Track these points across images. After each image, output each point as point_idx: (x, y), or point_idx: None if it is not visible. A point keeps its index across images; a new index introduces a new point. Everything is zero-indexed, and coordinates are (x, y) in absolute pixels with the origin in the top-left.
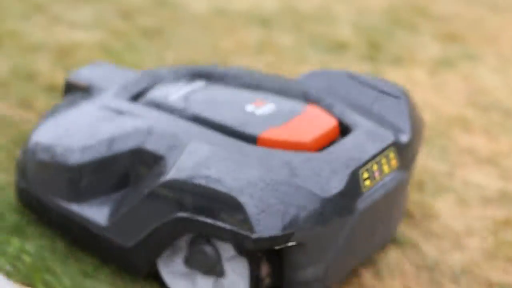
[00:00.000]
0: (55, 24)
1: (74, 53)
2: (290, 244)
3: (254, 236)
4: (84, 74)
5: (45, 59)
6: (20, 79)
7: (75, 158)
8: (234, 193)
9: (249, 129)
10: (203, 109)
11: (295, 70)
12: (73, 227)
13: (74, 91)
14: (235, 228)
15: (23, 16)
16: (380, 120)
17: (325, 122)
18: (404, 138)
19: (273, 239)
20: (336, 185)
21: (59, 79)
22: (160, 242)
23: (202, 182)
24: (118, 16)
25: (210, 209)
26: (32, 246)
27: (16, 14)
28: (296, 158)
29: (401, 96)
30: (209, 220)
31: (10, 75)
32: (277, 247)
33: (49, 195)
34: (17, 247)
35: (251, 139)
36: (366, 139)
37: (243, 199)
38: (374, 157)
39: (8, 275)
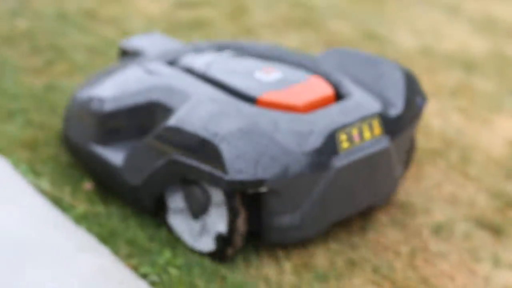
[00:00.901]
0: None
1: None
2: (262, 190)
3: (227, 178)
4: (134, 42)
5: None
6: None
7: (104, 107)
8: (215, 140)
9: (251, 91)
10: (218, 73)
11: (488, 117)
12: (97, 167)
13: (127, 56)
14: (213, 171)
15: (233, 38)
16: (377, 94)
17: (321, 90)
18: (394, 111)
19: (244, 183)
20: (311, 142)
21: None
22: (159, 181)
23: (191, 128)
24: (324, 46)
25: (195, 153)
26: (181, 260)
27: (227, 36)
28: (283, 117)
29: (402, 76)
30: (194, 163)
31: None
32: (250, 191)
33: (82, 139)
34: (166, 259)
35: (251, 100)
36: (352, 106)
37: (221, 145)
38: (354, 122)
39: (153, 284)
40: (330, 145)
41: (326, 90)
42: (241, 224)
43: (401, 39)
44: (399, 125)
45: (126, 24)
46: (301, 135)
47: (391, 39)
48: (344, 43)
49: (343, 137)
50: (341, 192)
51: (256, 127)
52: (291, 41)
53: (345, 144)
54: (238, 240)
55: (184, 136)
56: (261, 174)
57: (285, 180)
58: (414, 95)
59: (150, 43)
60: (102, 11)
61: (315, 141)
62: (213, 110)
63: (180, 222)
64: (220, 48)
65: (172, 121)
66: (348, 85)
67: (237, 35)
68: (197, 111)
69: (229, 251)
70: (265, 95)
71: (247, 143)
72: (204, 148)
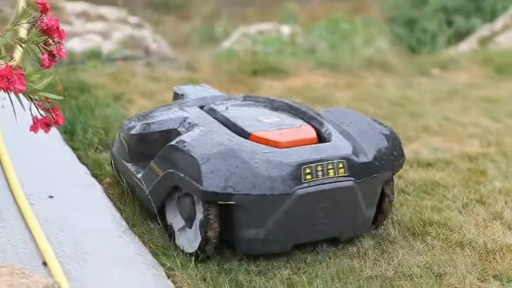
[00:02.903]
0: None
1: None
2: (231, 203)
3: (201, 188)
4: (183, 88)
5: None
6: None
7: (134, 131)
8: (198, 158)
9: (248, 129)
10: (230, 114)
11: None
12: (129, 179)
13: (176, 98)
14: (194, 182)
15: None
16: (354, 143)
17: (306, 134)
18: (363, 158)
19: (215, 194)
20: (278, 170)
21: None
22: (162, 189)
23: (184, 148)
24: None
25: (184, 167)
26: None
27: None
28: (263, 149)
29: (383, 134)
30: (182, 175)
31: None
32: (220, 202)
33: (121, 158)
34: None
35: (246, 135)
36: (325, 148)
37: (201, 162)
38: (320, 161)
39: None
40: (294, 175)
41: (310, 134)
42: (212, 233)
43: None
44: (366, 171)
45: None
46: (270, 163)
47: None
48: None
49: (307, 170)
50: (302, 217)
51: (235, 152)
52: None
53: (308, 177)
54: (209, 246)
55: (179, 154)
56: (229, 189)
57: (251, 197)
58: (390, 151)
59: (195, 90)
60: None
61: (281, 170)
62: (208, 137)
63: (182, 238)
64: (247, 99)
65: (174, 141)
66: (334, 134)
67: None
68: (195, 137)
69: (202, 255)
70: (257, 133)
71: (222, 163)
72: (191, 164)
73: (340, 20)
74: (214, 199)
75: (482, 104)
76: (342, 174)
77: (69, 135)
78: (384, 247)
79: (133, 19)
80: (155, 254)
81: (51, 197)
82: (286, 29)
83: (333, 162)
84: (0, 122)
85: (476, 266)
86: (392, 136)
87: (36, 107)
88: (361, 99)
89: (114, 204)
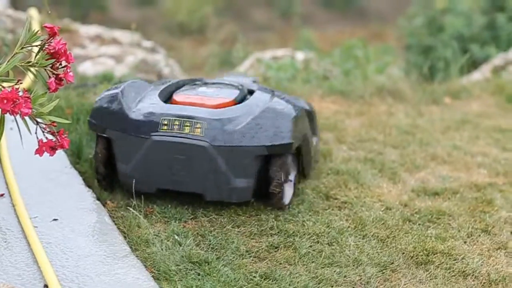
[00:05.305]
0: None
1: None
2: (105, 134)
3: (88, 119)
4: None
5: None
6: None
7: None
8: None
9: (175, 96)
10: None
11: None
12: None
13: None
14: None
15: None
16: (246, 116)
17: (213, 100)
18: (229, 127)
19: (94, 125)
20: (144, 117)
21: None
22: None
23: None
24: None
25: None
26: None
27: None
28: (153, 101)
29: (277, 112)
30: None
31: None
32: (99, 133)
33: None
34: None
35: (170, 100)
36: (194, 110)
37: (95, 103)
38: (180, 117)
39: None
40: (154, 124)
41: (215, 101)
42: (100, 165)
43: None
44: (226, 139)
45: None
46: (142, 111)
47: None
48: None
49: (165, 121)
50: (160, 163)
51: (119, 101)
52: None
53: (164, 127)
54: (99, 176)
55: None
56: (104, 124)
57: (118, 134)
58: (268, 130)
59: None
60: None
61: (146, 118)
62: (138, 99)
63: None
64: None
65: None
66: (243, 106)
67: None
68: (130, 98)
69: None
70: (176, 97)
71: (106, 105)
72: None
73: (354, 46)
74: (94, 129)
75: (492, 133)
76: (198, 134)
77: (76, 158)
78: (387, 276)
79: (147, 43)
80: (156, 279)
81: (55, 220)
82: (300, 55)
83: (192, 121)
84: (8, 144)
85: None
86: (286, 117)
87: (42, 130)
88: (370, 127)
89: (118, 228)
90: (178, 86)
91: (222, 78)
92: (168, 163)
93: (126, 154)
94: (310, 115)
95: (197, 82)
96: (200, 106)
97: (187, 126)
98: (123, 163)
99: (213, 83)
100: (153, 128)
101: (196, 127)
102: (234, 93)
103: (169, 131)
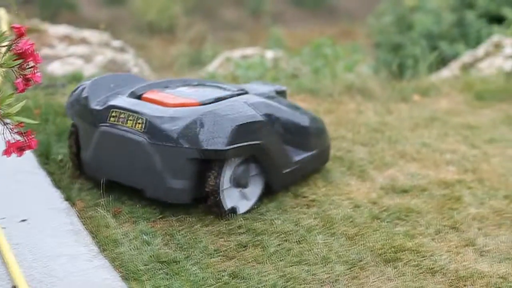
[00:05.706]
0: None
1: None
2: (73, 121)
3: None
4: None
5: None
6: None
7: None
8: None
9: (144, 93)
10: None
11: None
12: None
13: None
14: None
15: None
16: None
17: (178, 99)
18: (167, 127)
19: (66, 112)
20: (99, 107)
21: None
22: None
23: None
24: None
25: None
26: None
27: None
28: (123, 98)
29: (224, 117)
30: None
31: None
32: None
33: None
34: None
35: (140, 96)
36: (144, 105)
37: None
38: (127, 110)
39: None
40: (105, 115)
41: (179, 100)
42: (71, 151)
43: None
44: (162, 137)
45: None
46: (101, 104)
47: None
48: None
49: (113, 113)
50: (106, 154)
51: (83, 94)
52: None
53: (112, 119)
54: (71, 162)
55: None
56: (72, 112)
57: (79, 123)
58: (203, 133)
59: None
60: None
61: (100, 107)
62: (110, 94)
63: None
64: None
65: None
66: (213, 108)
67: None
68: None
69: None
70: (146, 95)
71: (76, 97)
72: None
73: (324, 45)
74: (68, 115)
75: (461, 130)
76: (138, 129)
77: (44, 158)
78: (355, 273)
79: (116, 43)
80: (125, 279)
81: (23, 220)
82: (270, 54)
83: (135, 116)
84: None
85: None
86: (227, 123)
87: (9, 131)
88: (339, 125)
89: (86, 228)
90: (168, 85)
91: (247, 84)
92: (112, 155)
93: (85, 141)
94: (303, 130)
95: (194, 83)
96: (158, 103)
97: (130, 120)
98: (84, 150)
99: (206, 85)
100: (104, 119)
101: (138, 122)
102: (206, 96)
103: (115, 123)
